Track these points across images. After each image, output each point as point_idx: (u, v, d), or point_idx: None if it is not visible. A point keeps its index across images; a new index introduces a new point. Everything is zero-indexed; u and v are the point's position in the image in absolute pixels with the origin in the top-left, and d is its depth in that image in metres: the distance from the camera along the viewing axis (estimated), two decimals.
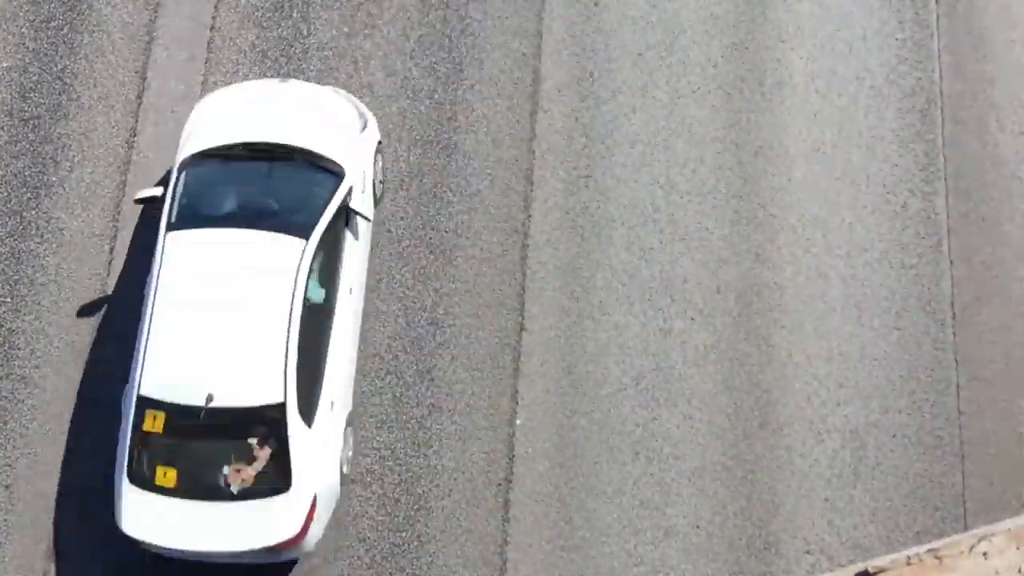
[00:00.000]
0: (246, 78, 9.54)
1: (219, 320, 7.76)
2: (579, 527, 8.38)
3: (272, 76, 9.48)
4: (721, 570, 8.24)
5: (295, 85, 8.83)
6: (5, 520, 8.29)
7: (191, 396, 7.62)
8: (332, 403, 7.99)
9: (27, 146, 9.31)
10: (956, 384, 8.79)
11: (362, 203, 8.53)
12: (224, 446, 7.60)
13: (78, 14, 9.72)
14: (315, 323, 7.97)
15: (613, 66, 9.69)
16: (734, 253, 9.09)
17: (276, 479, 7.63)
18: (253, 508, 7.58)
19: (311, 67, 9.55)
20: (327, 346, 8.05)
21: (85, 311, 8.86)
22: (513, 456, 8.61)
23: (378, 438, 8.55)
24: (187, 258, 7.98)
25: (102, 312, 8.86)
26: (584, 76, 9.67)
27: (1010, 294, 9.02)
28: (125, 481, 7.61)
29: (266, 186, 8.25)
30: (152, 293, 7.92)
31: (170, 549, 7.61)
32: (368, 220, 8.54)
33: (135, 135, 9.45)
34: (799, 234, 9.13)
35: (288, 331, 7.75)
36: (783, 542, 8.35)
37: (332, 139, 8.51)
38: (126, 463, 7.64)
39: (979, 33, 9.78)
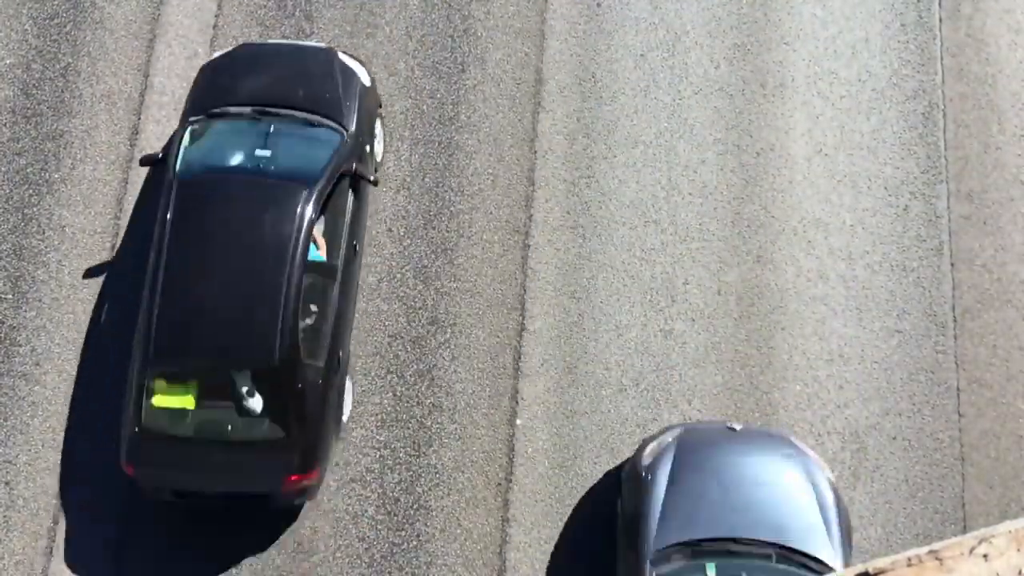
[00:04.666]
0: None
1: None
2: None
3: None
4: None
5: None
6: (5, 516, 8.30)
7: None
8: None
9: (29, 143, 9.31)
10: (956, 387, 8.80)
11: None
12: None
13: (81, 11, 9.73)
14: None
15: (615, 67, 9.70)
16: (735, 255, 9.10)
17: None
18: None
19: None
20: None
21: (85, 307, 8.88)
22: (513, 456, 8.61)
23: (378, 437, 8.55)
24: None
25: (103, 308, 8.87)
26: (586, 77, 9.68)
27: (1011, 297, 9.03)
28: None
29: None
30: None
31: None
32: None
33: (137, 132, 9.46)
34: (800, 236, 9.13)
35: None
36: None
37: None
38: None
39: (981, 36, 9.79)
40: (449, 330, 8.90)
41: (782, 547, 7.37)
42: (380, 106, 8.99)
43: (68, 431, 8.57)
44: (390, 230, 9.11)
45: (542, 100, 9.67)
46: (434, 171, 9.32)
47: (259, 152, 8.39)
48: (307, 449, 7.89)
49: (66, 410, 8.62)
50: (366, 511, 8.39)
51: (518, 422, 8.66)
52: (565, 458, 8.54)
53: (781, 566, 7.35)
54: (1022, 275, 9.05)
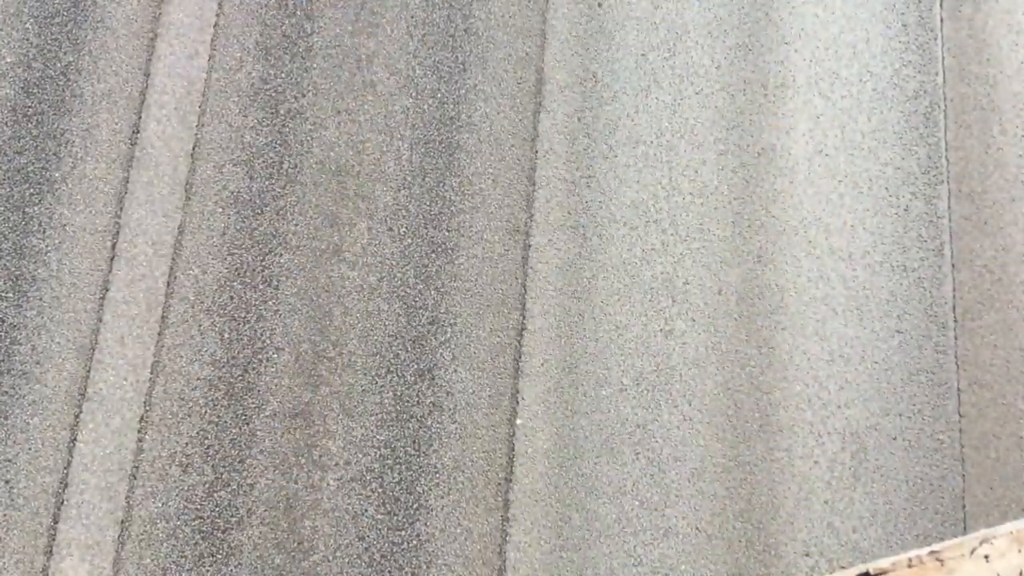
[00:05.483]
0: (249, 76, 9.56)
1: None
2: (579, 527, 8.39)
3: (276, 75, 9.51)
4: (720, 571, 8.26)
5: None
6: (5, 515, 8.31)
7: None
8: None
9: (30, 142, 9.32)
10: (957, 387, 8.81)
11: None
12: None
13: (82, 10, 9.74)
14: None
15: (616, 67, 9.71)
16: (736, 255, 9.11)
17: None
18: None
19: (315, 65, 9.57)
20: None
21: (86, 306, 8.89)
22: (513, 456, 8.63)
23: (378, 436, 8.56)
24: None
25: (104, 307, 8.89)
26: (587, 77, 9.69)
27: (1012, 298, 9.04)
28: None
29: None
30: None
31: None
32: None
33: (138, 131, 9.47)
34: (801, 236, 9.15)
35: None
36: (783, 544, 8.37)
37: None
38: None
39: (983, 37, 9.81)
40: (449, 330, 8.91)
41: None
42: None
43: (68, 430, 8.59)
44: (391, 230, 9.13)
45: (543, 100, 9.69)
46: (435, 171, 9.33)
47: None
48: None
49: (67, 409, 8.64)
50: (366, 511, 8.40)
51: (518, 422, 8.67)
52: (565, 458, 8.55)
53: None
54: (1023, 275, 9.06)
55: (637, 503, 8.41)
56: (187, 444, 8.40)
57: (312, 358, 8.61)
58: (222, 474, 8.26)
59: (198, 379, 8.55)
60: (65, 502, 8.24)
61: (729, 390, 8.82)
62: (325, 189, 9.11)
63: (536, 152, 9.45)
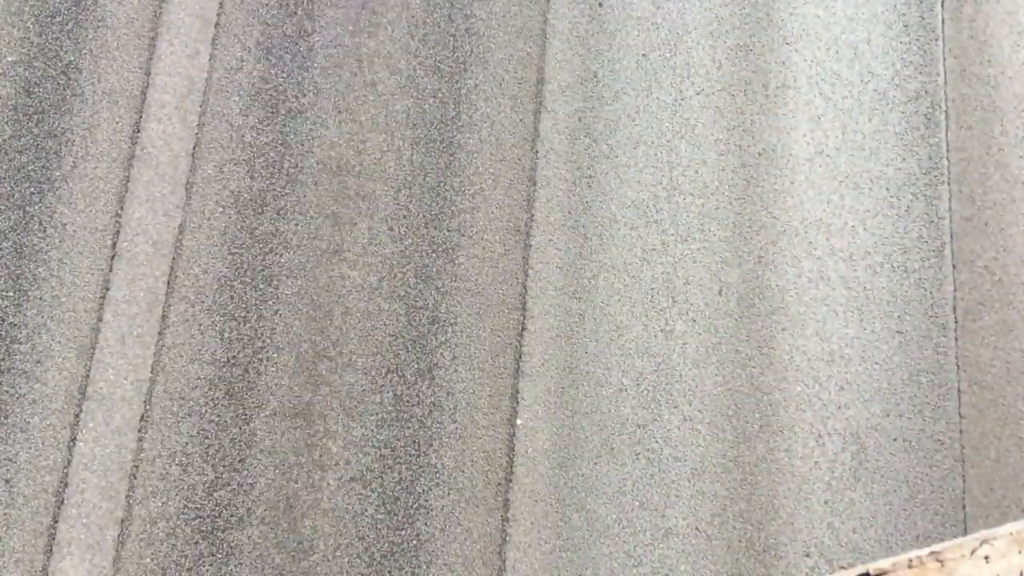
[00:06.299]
0: (250, 75, 9.56)
1: None
2: (578, 527, 8.39)
3: (277, 74, 9.50)
4: (720, 572, 8.25)
5: None
6: (5, 514, 8.30)
7: None
8: None
9: (31, 141, 9.32)
10: (957, 388, 8.81)
11: None
12: None
13: (83, 9, 9.74)
14: None
15: (617, 67, 9.71)
16: (736, 255, 9.11)
17: None
18: None
19: (315, 65, 9.57)
20: None
21: (86, 305, 8.89)
22: (513, 456, 8.63)
23: (378, 436, 8.55)
24: None
25: (104, 307, 8.89)
26: (588, 77, 9.68)
27: (1012, 299, 9.04)
28: None
29: None
30: None
31: None
32: None
33: (139, 131, 9.46)
34: (801, 237, 9.15)
35: None
36: (783, 544, 8.37)
37: None
38: None
39: (984, 38, 9.81)
40: (449, 330, 8.90)
41: None
42: None
43: (68, 429, 8.59)
44: (391, 229, 9.13)
45: (544, 100, 9.68)
46: (435, 171, 9.32)
47: None
48: None
49: (67, 408, 8.64)
50: (366, 511, 8.40)
51: (518, 422, 8.66)
52: (565, 458, 8.55)
53: None
54: (1023, 277, 9.06)
55: (637, 503, 8.41)
56: (187, 444, 8.40)
57: (312, 358, 8.61)
58: (222, 474, 8.26)
59: (198, 379, 8.55)
60: (65, 502, 8.24)
61: (729, 390, 8.81)
62: (325, 189, 9.11)
63: (536, 152, 9.44)
